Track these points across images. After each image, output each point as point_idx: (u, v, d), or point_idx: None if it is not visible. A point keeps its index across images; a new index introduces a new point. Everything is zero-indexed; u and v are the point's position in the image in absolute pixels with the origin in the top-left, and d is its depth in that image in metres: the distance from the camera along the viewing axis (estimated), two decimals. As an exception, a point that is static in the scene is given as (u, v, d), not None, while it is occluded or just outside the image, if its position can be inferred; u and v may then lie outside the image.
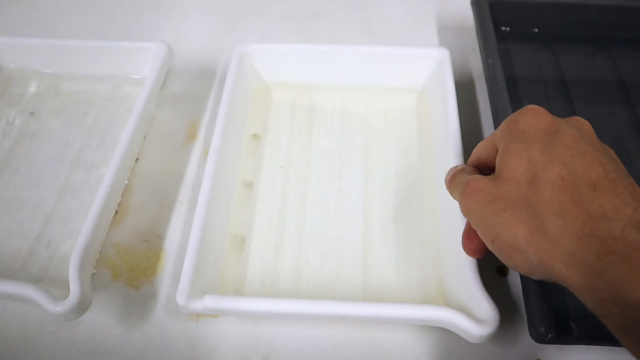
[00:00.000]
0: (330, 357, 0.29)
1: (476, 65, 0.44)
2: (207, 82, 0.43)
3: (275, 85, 0.40)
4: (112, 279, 0.32)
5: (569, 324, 0.26)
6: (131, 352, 0.29)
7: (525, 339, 0.29)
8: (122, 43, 0.40)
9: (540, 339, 0.26)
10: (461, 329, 0.26)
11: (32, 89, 0.41)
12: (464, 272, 0.28)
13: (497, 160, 0.25)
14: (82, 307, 0.27)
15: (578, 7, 0.42)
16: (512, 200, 0.22)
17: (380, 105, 0.39)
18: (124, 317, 0.31)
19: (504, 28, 0.43)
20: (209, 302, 0.27)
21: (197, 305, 0.27)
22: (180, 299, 0.27)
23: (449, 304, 0.28)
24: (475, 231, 0.25)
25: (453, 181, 0.27)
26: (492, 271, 0.32)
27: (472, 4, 0.42)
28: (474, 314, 0.26)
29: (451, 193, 0.28)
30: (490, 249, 0.24)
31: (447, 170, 0.29)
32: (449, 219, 0.31)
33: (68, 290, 0.27)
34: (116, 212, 0.35)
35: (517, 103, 0.38)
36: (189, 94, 0.42)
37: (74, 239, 0.32)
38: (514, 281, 0.32)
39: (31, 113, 0.40)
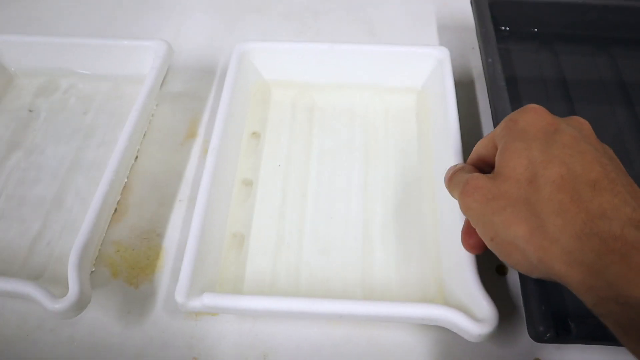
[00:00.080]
0: (329, 356, 0.29)
1: (476, 64, 0.44)
2: (207, 81, 0.43)
3: (275, 83, 0.40)
4: (111, 276, 0.32)
5: (568, 323, 0.26)
6: (130, 350, 0.29)
7: (524, 338, 0.29)
8: (122, 41, 0.40)
9: (539, 338, 0.26)
10: (460, 328, 0.26)
11: (32, 87, 0.41)
12: (463, 271, 0.28)
13: (496, 158, 0.25)
14: (81, 304, 0.27)
15: (578, 7, 0.42)
16: (512, 198, 0.23)
17: (380, 105, 0.39)
18: (123, 315, 0.31)
19: (503, 28, 0.43)
20: (208, 300, 0.27)
21: (196, 303, 0.27)
22: (179, 297, 0.27)
23: (448, 302, 0.28)
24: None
25: (452, 180, 0.27)
26: (491, 270, 0.32)
27: (472, 3, 0.42)
28: (473, 313, 0.26)
29: (450, 192, 0.28)
30: (489, 247, 0.24)
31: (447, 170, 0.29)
32: (449, 217, 0.31)
33: (67, 288, 0.27)
34: (115, 210, 0.35)
35: (516, 103, 0.38)
36: (189, 92, 0.42)
37: (74, 237, 0.32)
38: (513, 280, 0.32)
39: (30, 110, 0.40)
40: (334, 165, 0.36)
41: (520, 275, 0.28)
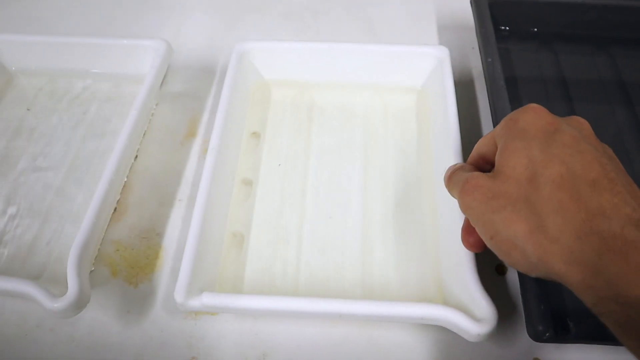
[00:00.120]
0: (329, 356, 0.29)
1: (476, 64, 0.44)
2: (207, 80, 0.43)
3: (274, 83, 0.40)
4: (111, 276, 0.32)
5: (567, 323, 0.26)
6: (130, 349, 0.29)
7: (524, 338, 0.29)
8: (122, 41, 0.40)
9: (538, 337, 0.26)
10: (459, 327, 0.26)
11: (32, 86, 0.41)
12: (462, 271, 0.28)
13: (496, 157, 0.25)
14: (80, 304, 0.27)
15: (578, 6, 0.42)
16: (512, 197, 0.22)
17: (380, 104, 0.39)
18: (123, 315, 0.31)
19: (503, 27, 0.43)
20: (207, 299, 0.27)
21: (196, 302, 0.27)
22: (179, 296, 0.27)
23: (447, 302, 0.28)
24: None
25: (452, 179, 0.27)
26: (490, 270, 0.32)
27: (471, 3, 0.42)
28: (472, 313, 0.26)
29: (450, 191, 0.28)
30: (489, 246, 0.24)
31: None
32: (448, 217, 0.31)
33: (67, 287, 0.27)
34: (115, 209, 0.35)
35: (516, 102, 0.38)
36: (189, 91, 0.42)
37: (73, 236, 0.32)
38: (513, 280, 0.32)
39: (28, 109, 0.40)
40: (333, 164, 0.36)
41: (520, 275, 0.28)
